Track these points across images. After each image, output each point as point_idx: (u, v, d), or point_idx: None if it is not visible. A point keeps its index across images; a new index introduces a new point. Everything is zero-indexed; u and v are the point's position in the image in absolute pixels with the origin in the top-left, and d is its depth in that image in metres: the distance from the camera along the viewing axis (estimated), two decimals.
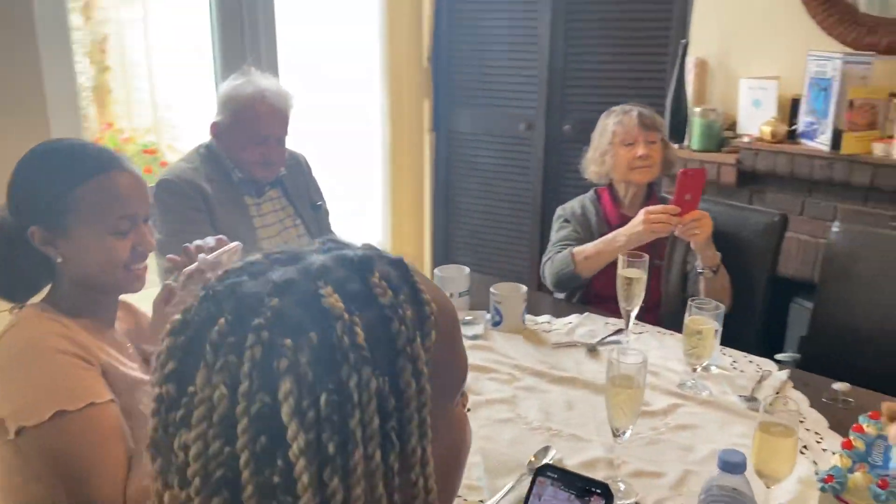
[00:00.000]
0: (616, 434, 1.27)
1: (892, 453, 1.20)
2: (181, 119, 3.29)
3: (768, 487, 1.16)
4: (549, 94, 3.30)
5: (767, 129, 2.71)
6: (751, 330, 2.24)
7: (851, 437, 1.22)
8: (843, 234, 2.17)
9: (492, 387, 1.64)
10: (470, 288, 2.03)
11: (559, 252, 2.15)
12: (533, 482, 0.86)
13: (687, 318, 1.63)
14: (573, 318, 2.01)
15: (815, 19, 2.68)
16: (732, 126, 2.91)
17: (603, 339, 1.88)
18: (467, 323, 1.94)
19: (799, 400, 1.61)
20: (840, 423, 1.51)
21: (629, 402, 1.23)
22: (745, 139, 2.78)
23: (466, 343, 1.76)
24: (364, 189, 3.55)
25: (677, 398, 1.60)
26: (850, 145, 2.51)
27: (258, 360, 0.49)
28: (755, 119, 2.80)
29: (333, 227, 2.40)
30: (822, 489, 1.13)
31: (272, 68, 2.79)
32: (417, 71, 3.43)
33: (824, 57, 2.57)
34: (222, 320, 0.51)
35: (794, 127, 2.73)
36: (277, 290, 0.52)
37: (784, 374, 1.70)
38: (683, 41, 2.90)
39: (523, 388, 1.64)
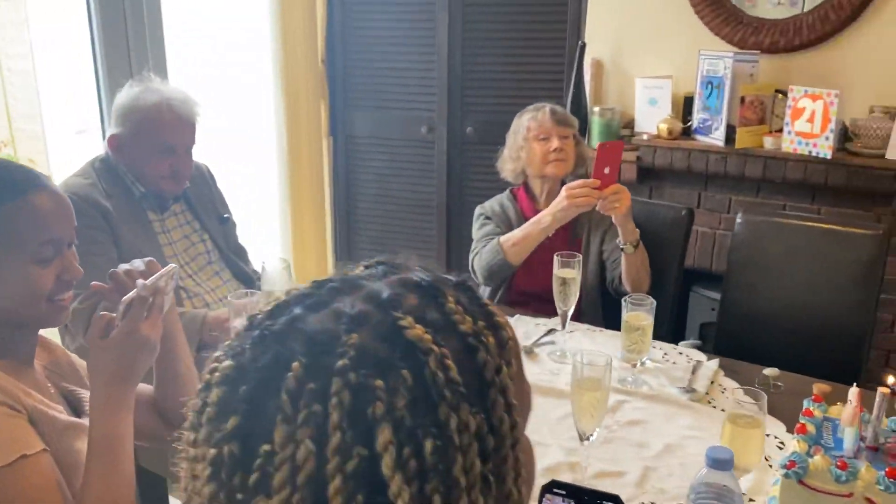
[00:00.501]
0: (583, 437, 1.26)
1: (841, 434, 1.25)
2: (46, 130, 3.03)
3: (738, 478, 1.17)
4: (449, 97, 3.28)
5: (664, 127, 2.81)
6: (662, 319, 2.31)
7: (803, 422, 1.26)
8: (746, 225, 2.27)
9: None
10: None
11: (485, 245, 2.16)
12: (541, 500, 0.82)
13: (626, 315, 1.65)
14: None
15: (704, 20, 2.80)
16: (630, 124, 3.00)
17: (537, 340, 1.87)
18: None
19: (732, 388, 1.67)
20: (775, 407, 1.57)
21: (596, 405, 1.22)
22: (644, 137, 2.87)
23: None
24: (262, 198, 3.40)
25: (621, 395, 1.61)
26: (742, 140, 2.64)
27: (348, 408, 0.42)
28: (651, 117, 2.90)
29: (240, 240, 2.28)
30: (786, 475, 1.16)
31: (161, 73, 2.61)
32: (313, 73, 3.32)
33: (715, 56, 2.69)
34: (296, 364, 0.43)
35: (688, 124, 2.85)
36: (353, 323, 0.45)
37: (714, 363, 1.76)
38: (581, 42, 2.96)
39: None
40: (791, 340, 2.17)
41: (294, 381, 0.43)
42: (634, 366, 1.66)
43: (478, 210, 2.33)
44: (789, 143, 2.57)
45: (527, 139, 2.22)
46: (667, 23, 2.90)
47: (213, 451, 0.44)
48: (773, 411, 1.55)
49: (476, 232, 2.27)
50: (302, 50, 3.22)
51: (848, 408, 1.21)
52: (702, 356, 1.80)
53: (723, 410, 1.56)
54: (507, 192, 2.35)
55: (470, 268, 2.22)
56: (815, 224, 2.24)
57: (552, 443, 1.43)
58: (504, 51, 3.21)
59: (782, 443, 1.44)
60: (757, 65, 2.67)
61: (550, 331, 1.92)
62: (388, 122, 3.43)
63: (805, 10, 2.64)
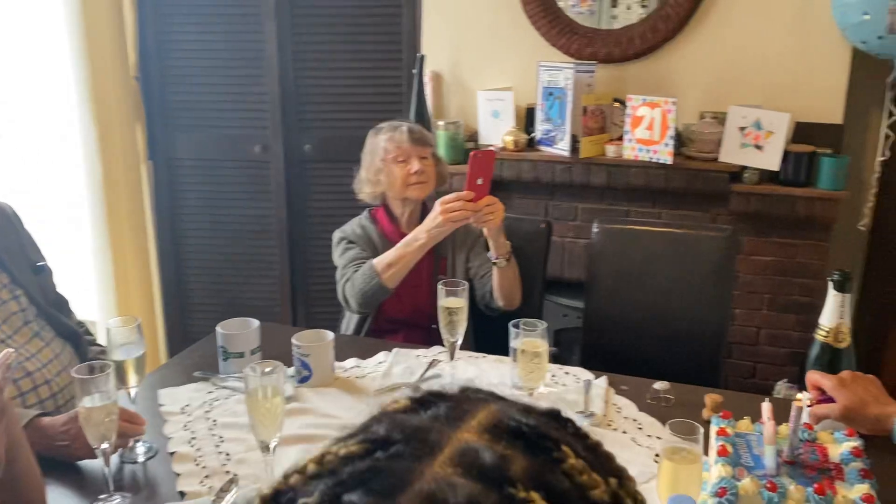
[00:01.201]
0: None
1: (758, 452, 1.24)
2: None
3: None
4: (283, 113, 3.06)
5: (510, 139, 2.80)
6: None
7: (723, 443, 1.24)
8: (603, 234, 2.30)
9: None
10: (262, 343, 1.77)
11: (356, 270, 2.00)
12: None
13: (519, 342, 1.57)
14: (382, 357, 1.85)
15: (540, 32, 2.82)
16: (474, 137, 2.96)
17: (423, 375, 1.75)
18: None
19: (627, 405, 1.65)
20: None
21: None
22: (491, 149, 2.84)
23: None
24: (74, 235, 2.99)
25: None
26: (586, 149, 2.68)
27: None
28: (495, 129, 2.88)
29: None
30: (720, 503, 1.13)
31: None
32: (125, 91, 2.97)
33: (554, 67, 2.71)
34: None
35: (532, 135, 2.85)
36: None
37: (603, 381, 1.73)
38: (420, 54, 2.87)
39: None
40: (654, 343, 2.22)
41: None
42: (531, 394, 1.58)
43: (337, 234, 2.17)
44: (630, 151, 2.64)
45: (385, 161, 2.09)
46: (504, 35, 2.89)
47: None
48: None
49: (339, 258, 2.10)
50: (111, 65, 2.87)
51: (768, 426, 1.20)
52: (589, 375, 1.77)
53: (624, 433, 1.54)
54: (366, 213, 2.22)
55: (340, 296, 2.05)
56: (669, 230, 2.31)
57: None
58: (340, 63, 3.05)
59: None
60: (594, 75, 2.72)
61: (433, 362, 1.81)
62: (214, 143, 3.15)
63: (636, 20, 2.74)
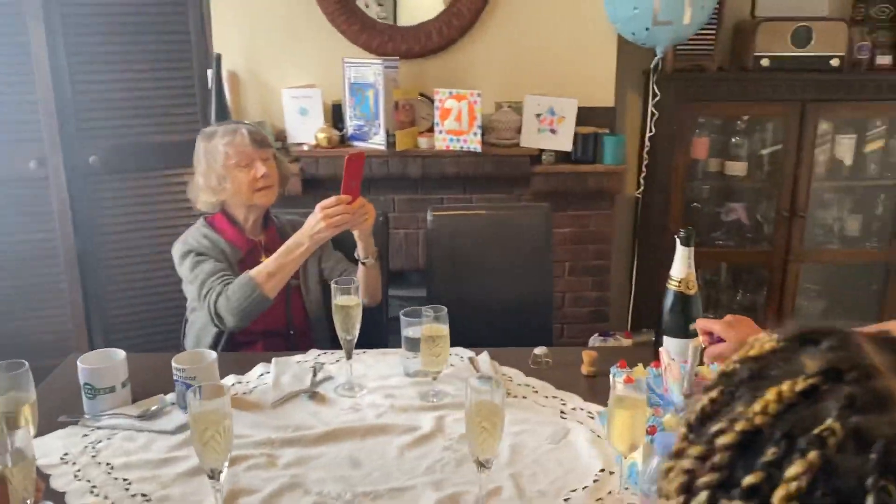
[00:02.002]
0: (484, 466, 1.21)
1: (660, 390, 1.44)
2: None
3: (626, 458, 1.27)
4: (61, 123, 2.74)
5: (323, 136, 2.79)
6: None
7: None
8: (437, 222, 2.41)
9: (258, 480, 1.36)
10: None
11: (227, 283, 1.89)
12: None
13: (418, 330, 1.62)
14: (262, 369, 1.79)
15: (339, 29, 2.84)
16: (281, 136, 2.90)
17: (315, 380, 1.72)
18: (151, 416, 1.56)
19: (515, 374, 1.78)
20: (557, 382, 1.72)
21: (496, 429, 1.19)
22: (305, 147, 2.81)
23: (173, 443, 1.41)
24: None
25: (435, 411, 1.59)
26: (402, 142, 2.77)
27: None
28: (304, 127, 2.85)
29: None
30: (652, 441, 1.29)
31: None
32: None
33: (360, 63, 2.76)
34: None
35: (343, 131, 2.87)
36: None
37: (486, 355, 1.84)
38: (217, 53, 2.75)
39: (292, 465, 1.40)
40: (494, 318, 2.39)
41: None
42: (434, 378, 1.65)
43: (179, 248, 2.02)
44: (442, 142, 2.79)
45: (227, 167, 2.00)
46: (302, 32, 2.87)
47: None
48: (561, 387, 1.71)
49: (190, 273, 1.96)
50: None
51: (673, 366, 1.39)
52: (469, 352, 1.87)
53: (524, 398, 1.66)
54: (202, 221, 2.10)
55: (211, 313, 1.91)
56: (495, 212, 2.49)
57: (416, 484, 1.35)
58: (121, 65, 2.80)
59: (592, 413, 1.59)
60: (398, 70, 2.82)
61: (318, 366, 1.79)
62: None
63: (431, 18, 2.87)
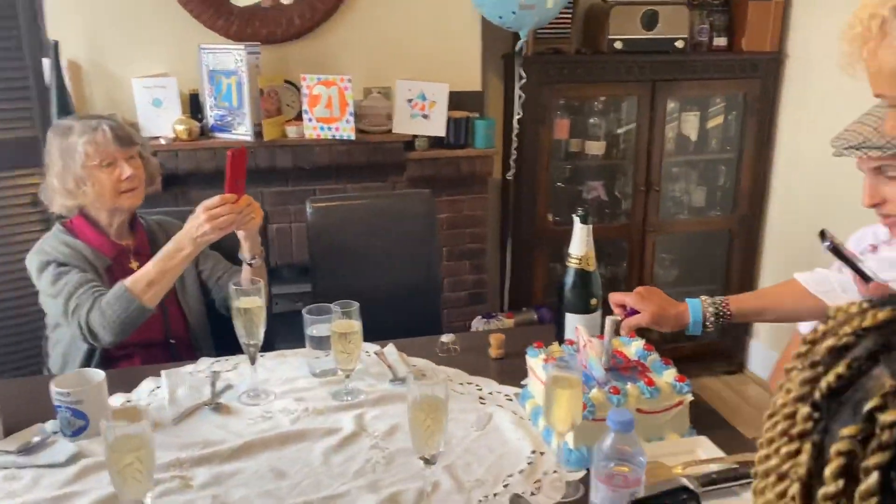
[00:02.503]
0: (430, 462, 1.18)
1: (579, 367, 1.46)
2: None
3: (561, 436, 1.27)
4: None
5: (182, 129, 2.60)
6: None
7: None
8: (317, 213, 2.32)
9: None
10: None
11: (98, 295, 1.71)
12: None
13: (323, 328, 1.56)
14: (151, 384, 1.64)
15: (193, 13, 2.65)
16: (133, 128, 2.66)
17: (217, 391, 1.60)
18: (32, 449, 1.38)
19: (423, 363, 1.75)
20: (468, 368, 1.71)
21: (441, 424, 1.15)
22: (162, 141, 2.61)
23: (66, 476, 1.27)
24: None
25: (353, 410, 1.53)
26: (269, 132, 2.64)
27: None
28: (160, 119, 2.65)
29: None
30: (584, 417, 1.31)
31: None
32: None
33: (219, 50, 2.59)
34: None
35: (203, 122, 2.69)
36: None
37: (392, 348, 1.79)
38: (54, 40, 2.48)
39: (210, 485, 1.29)
40: (386, 309, 2.33)
41: None
42: (348, 375, 1.58)
43: (36, 259, 1.81)
44: (312, 130, 2.68)
45: (87, 168, 1.80)
46: (150, 17, 2.66)
47: None
48: (475, 372, 1.70)
49: (51, 287, 1.76)
50: None
51: (595, 342, 1.42)
52: (375, 346, 1.81)
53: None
54: (58, 226, 1.90)
55: (84, 329, 1.71)
56: (377, 200, 2.44)
57: (348, 487, 1.28)
58: None
59: (509, 395, 1.59)
60: (259, 56, 2.67)
61: (215, 374, 1.66)
62: None
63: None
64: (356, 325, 1.55)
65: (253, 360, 1.58)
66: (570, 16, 3.06)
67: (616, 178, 3.43)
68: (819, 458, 0.40)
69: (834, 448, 0.38)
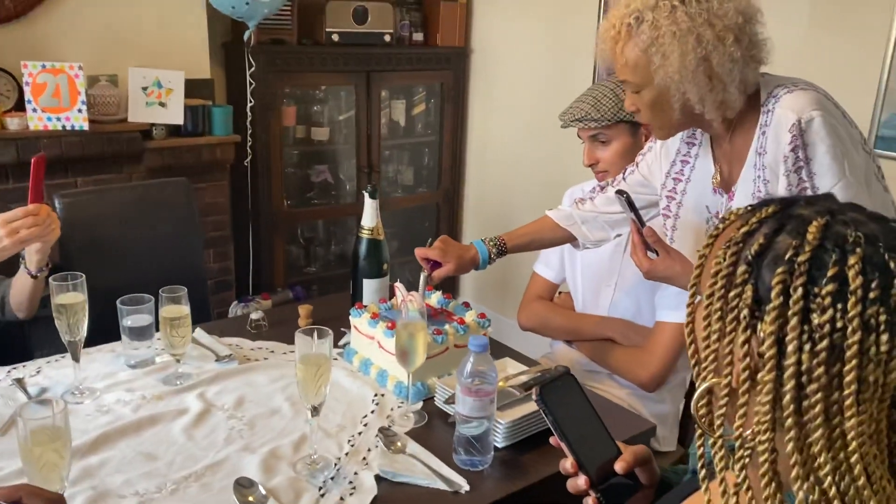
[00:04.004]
0: (317, 410, 1.32)
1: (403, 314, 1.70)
2: None
3: (410, 372, 1.50)
4: None
5: None
6: None
7: (384, 321, 1.64)
8: (69, 209, 2.20)
9: None
10: None
11: None
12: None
13: (140, 318, 1.58)
14: None
15: None
16: None
17: (32, 395, 1.52)
18: None
19: (242, 341, 1.83)
20: (283, 339, 1.84)
21: (326, 375, 1.31)
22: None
23: None
24: None
25: (191, 391, 1.58)
26: None
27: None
28: None
29: None
30: (439, 342, 1.55)
31: None
32: None
33: None
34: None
35: None
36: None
37: (201, 331, 1.84)
38: None
39: (82, 479, 1.28)
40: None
41: None
42: (178, 360, 1.62)
43: None
44: (38, 121, 2.49)
45: None
46: None
47: None
48: (292, 341, 1.83)
49: None
50: None
51: (415, 296, 1.66)
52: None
53: (266, 359, 1.74)
54: None
55: None
56: (133, 191, 2.37)
57: (226, 453, 1.37)
58: None
59: (334, 356, 1.76)
60: None
61: (18, 381, 1.57)
62: None
63: None
64: (185, 309, 1.60)
65: (76, 357, 1.53)
66: (290, 7, 3.21)
67: (340, 162, 3.68)
68: (757, 292, 0.70)
69: (774, 280, 0.68)
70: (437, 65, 3.75)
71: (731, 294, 0.71)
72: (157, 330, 1.64)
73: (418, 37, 3.70)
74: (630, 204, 1.52)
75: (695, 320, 0.77)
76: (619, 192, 1.55)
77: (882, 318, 0.63)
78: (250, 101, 3.06)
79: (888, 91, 2.21)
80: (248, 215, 3.28)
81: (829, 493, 0.64)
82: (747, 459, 0.69)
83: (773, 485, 0.66)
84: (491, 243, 1.85)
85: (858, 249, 0.66)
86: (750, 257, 0.70)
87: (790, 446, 0.65)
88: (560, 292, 2.17)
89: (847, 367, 0.63)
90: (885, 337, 0.63)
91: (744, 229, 0.72)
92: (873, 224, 0.69)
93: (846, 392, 0.64)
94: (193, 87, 2.90)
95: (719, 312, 0.72)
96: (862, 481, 0.64)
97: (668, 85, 1.35)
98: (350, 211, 3.66)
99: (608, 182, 1.82)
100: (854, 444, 0.64)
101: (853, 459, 0.64)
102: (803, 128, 1.30)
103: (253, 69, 3.02)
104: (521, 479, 1.34)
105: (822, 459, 0.64)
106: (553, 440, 1.01)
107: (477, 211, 4.02)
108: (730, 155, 1.47)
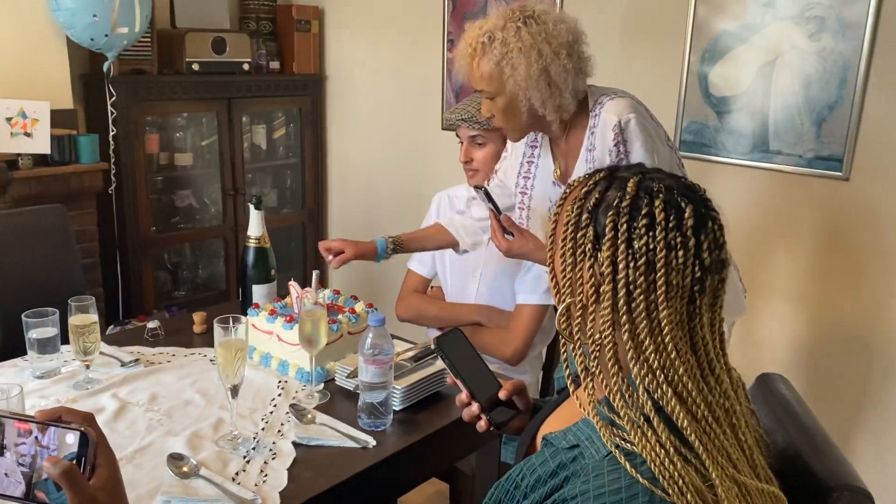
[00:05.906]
0: (237, 389, 1.49)
1: (298, 307, 1.89)
2: None
3: (313, 356, 1.70)
4: None
5: None
6: None
7: (283, 316, 1.83)
8: None
9: None
10: None
11: None
12: None
13: (45, 330, 1.69)
14: None
15: None
16: None
17: None
18: None
19: (144, 349, 1.94)
20: (182, 345, 1.98)
21: (245, 358, 1.49)
22: None
23: None
24: None
25: (103, 392, 1.69)
26: None
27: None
28: None
29: None
30: (335, 330, 1.75)
31: None
32: None
33: None
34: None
35: None
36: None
37: (104, 343, 1.93)
38: None
39: None
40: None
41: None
42: (88, 366, 1.72)
43: None
44: None
45: None
46: None
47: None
48: (190, 346, 1.97)
49: None
50: None
51: (310, 291, 1.86)
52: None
53: (169, 361, 1.87)
54: None
55: None
56: (9, 218, 2.38)
57: (150, 440, 1.51)
58: None
59: None
60: None
61: None
62: None
63: None
64: (93, 317, 1.71)
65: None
66: (149, 38, 3.30)
67: (205, 186, 3.77)
68: (596, 231, 0.98)
69: (607, 221, 0.96)
70: (295, 91, 3.95)
71: (578, 235, 0.99)
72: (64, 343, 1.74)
73: (275, 65, 3.88)
74: (488, 196, 1.82)
75: (554, 259, 1.05)
76: (477, 188, 1.85)
77: (678, 239, 0.93)
78: (112, 130, 3.12)
79: (686, 103, 2.67)
80: (116, 241, 3.31)
81: (653, 367, 0.93)
82: (598, 353, 0.97)
83: (616, 367, 0.95)
84: (390, 241, 2.08)
85: (661, 195, 0.96)
86: (590, 207, 0.99)
87: (626, 336, 0.93)
88: (432, 286, 2.44)
89: (658, 275, 0.93)
90: (681, 252, 0.93)
91: (584, 189, 1.02)
92: (670, 180, 1.00)
93: (659, 293, 0.93)
94: (57, 118, 2.93)
95: (571, 249, 1.00)
96: (674, 355, 0.93)
97: (517, 92, 1.66)
98: (216, 233, 3.76)
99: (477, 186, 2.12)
100: (666, 328, 0.93)
101: (667, 340, 0.93)
102: (623, 127, 1.65)
103: (114, 99, 3.09)
104: (418, 432, 1.58)
105: (646, 343, 0.93)
106: (450, 379, 1.27)
107: (342, 228, 4.23)
108: (566, 152, 1.80)
